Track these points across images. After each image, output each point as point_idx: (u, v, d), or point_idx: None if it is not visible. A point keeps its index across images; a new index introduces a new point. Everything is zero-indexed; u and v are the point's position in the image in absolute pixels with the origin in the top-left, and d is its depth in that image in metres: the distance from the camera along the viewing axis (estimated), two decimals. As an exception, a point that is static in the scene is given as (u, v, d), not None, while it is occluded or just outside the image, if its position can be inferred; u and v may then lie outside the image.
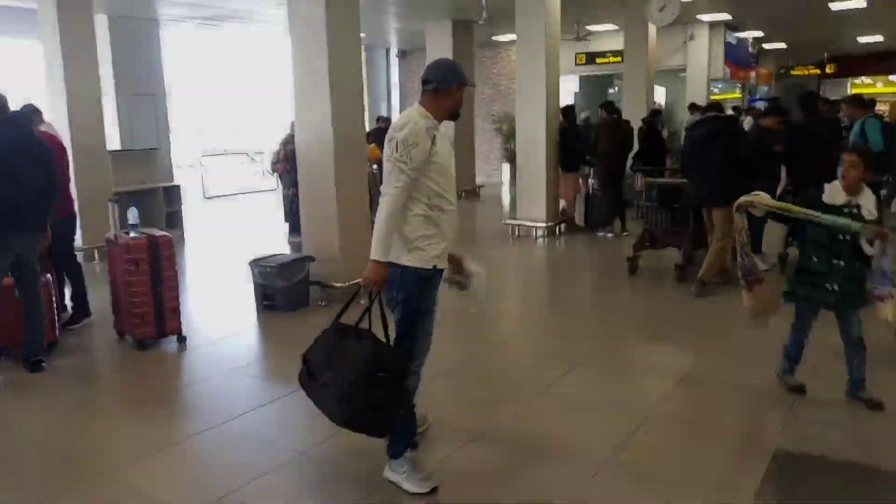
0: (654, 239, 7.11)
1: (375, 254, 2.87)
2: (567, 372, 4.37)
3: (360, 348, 2.81)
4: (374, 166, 10.39)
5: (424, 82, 3.03)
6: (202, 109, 18.40)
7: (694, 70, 16.16)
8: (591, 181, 10.06)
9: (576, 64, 17.53)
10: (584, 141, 10.21)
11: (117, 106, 13.54)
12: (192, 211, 13.99)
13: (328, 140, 5.97)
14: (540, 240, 9.41)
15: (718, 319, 5.53)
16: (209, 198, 16.52)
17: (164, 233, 5.12)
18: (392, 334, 2.97)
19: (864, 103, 6.94)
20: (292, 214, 9.53)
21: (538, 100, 9.39)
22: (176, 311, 5.09)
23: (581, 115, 12.99)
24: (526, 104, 9.57)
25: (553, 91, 9.54)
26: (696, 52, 16.09)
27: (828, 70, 22.09)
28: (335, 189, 6.01)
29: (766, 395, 3.97)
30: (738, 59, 17.70)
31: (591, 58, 17.42)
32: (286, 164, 9.31)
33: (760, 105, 17.54)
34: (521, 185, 9.74)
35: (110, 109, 13.68)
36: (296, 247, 9.04)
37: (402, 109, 20.22)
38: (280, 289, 5.88)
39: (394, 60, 20.22)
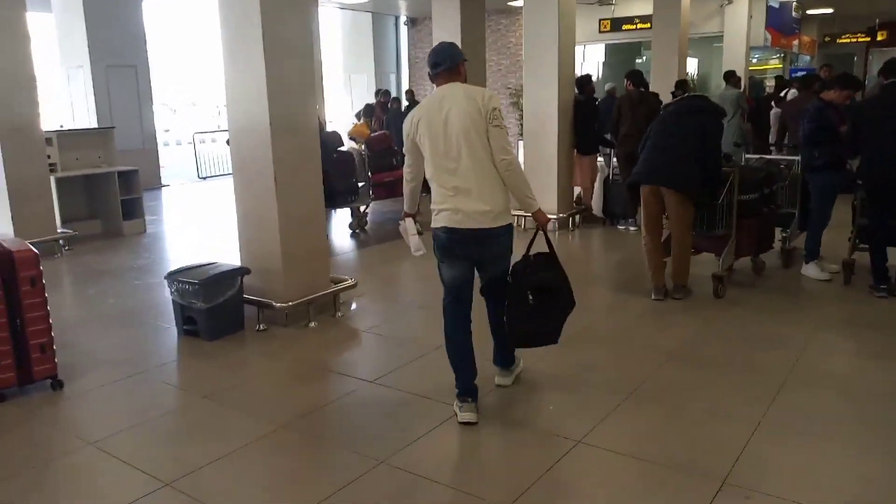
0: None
1: (536, 204, 3.45)
2: (564, 454, 3.06)
3: (560, 273, 3.63)
4: (363, 147, 9.07)
5: (435, 65, 3.37)
6: (198, 83, 17.24)
7: (732, 37, 14.50)
8: (612, 164, 8.61)
9: (600, 31, 15.94)
10: (605, 118, 8.77)
11: (93, 78, 12.37)
12: (181, 194, 12.83)
13: (263, 121, 4.63)
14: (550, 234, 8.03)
15: (760, 353, 4.15)
16: (204, 178, 15.36)
17: (25, 246, 3.85)
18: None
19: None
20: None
21: (548, 70, 7.94)
22: (47, 348, 3.85)
23: (605, 88, 11.50)
24: (533, 76, 8.14)
25: (567, 60, 8.08)
26: (735, 16, 14.42)
27: (879, 37, 20.11)
28: (274, 185, 4.70)
29: None
30: (779, 25, 15.99)
31: (617, 24, 15.81)
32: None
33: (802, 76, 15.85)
34: (527, 170, 8.31)
35: (83, 82, 12.54)
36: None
37: (412, 80, 18.86)
38: (203, 311, 4.61)
39: (403, 29, 18.77)
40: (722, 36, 14.82)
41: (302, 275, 4.93)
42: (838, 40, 20.91)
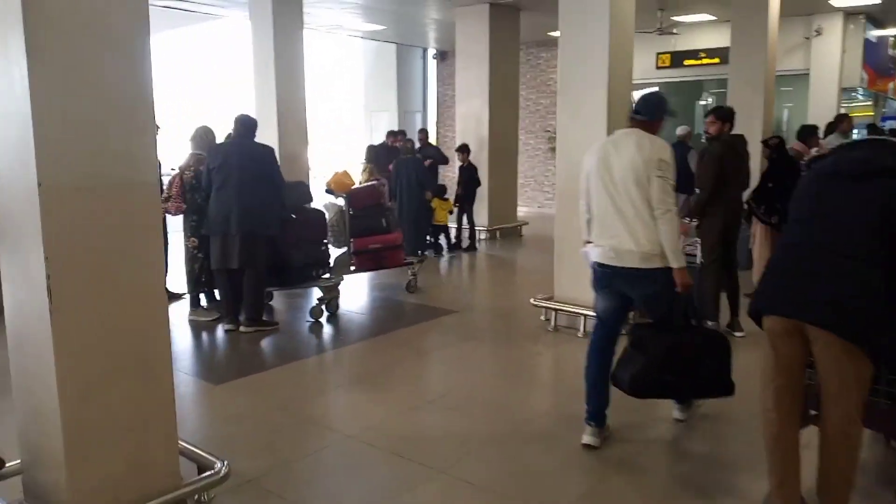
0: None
1: (680, 262, 3.39)
2: None
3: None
4: (341, 200, 6.81)
5: (637, 112, 3.59)
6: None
7: (821, 74, 11.97)
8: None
9: (657, 66, 13.56)
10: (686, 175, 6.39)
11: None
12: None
13: (26, 176, 2.38)
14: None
15: None
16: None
17: None
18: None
19: None
20: (194, 280, 6.05)
21: (594, 118, 5.60)
22: None
23: (677, 132, 9.11)
24: (570, 124, 5.80)
25: (621, 85, 5.71)
26: (825, 50, 11.92)
27: None
28: (48, 299, 2.40)
29: None
30: (876, 64, 13.39)
31: (678, 58, 13.42)
32: (181, 199, 5.82)
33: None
34: (561, 252, 5.94)
35: None
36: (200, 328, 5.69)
37: (438, 120, 16.72)
38: None
39: (431, 63, 16.71)
40: (798, 75, 12.36)
41: (110, 467, 2.58)
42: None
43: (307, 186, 6.34)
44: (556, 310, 5.83)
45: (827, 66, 11.91)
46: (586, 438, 3.56)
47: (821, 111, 11.68)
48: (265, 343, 5.51)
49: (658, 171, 3.31)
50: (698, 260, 5.75)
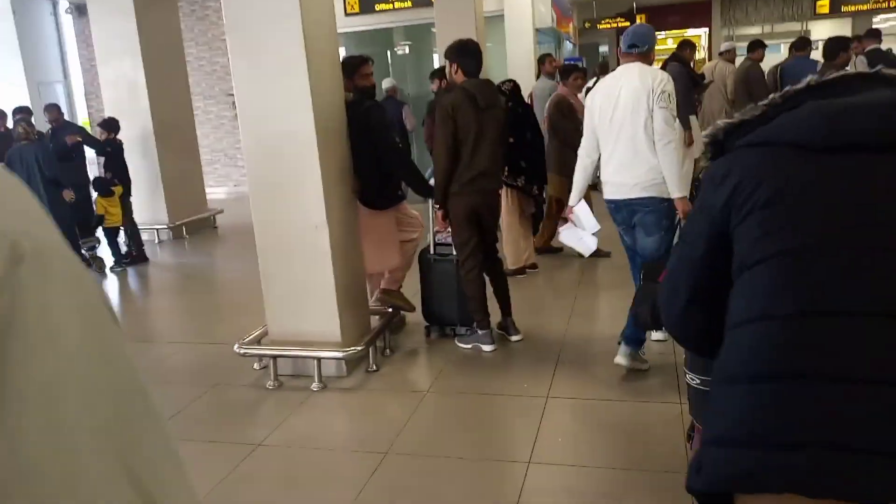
0: None
1: (682, 190, 3.37)
2: None
3: None
4: None
5: (632, 46, 3.51)
6: None
7: (515, 15, 11.37)
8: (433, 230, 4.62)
9: (346, 13, 11.92)
10: (402, 138, 4.85)
11: None
12: None
13: None
14: (333, 392, 3.84)
15: None
16: None
17: None
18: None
19: None
20: None
21: (288, 63, 3.69)
22: None
23: (383, 86, 7.53)
24: (251, 74, 3.79)
25: (326, 48, 3.92)
26: (517, -9, 11.34)
27: (639, 21, 18.80)
28: None
29: None
30: (560, 4, 13.34)
31: (368, 5, 11.91)
32: None
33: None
34: (267, 265, 4.02)
35: None
36: None
37: (88, 92, 13.24)
38: None
39: (66, 19, 13.10)
40: (494, 17, 11.74)
41: None
42: (599, 26, 19.26)
43: None
44: (273, 356, 3.95)
45: (520, 7, 11.37)
46: (618, 358, 3.60)
47: (519, 54, 11.17)
48: None
49: (661, 103, 3.34)
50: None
